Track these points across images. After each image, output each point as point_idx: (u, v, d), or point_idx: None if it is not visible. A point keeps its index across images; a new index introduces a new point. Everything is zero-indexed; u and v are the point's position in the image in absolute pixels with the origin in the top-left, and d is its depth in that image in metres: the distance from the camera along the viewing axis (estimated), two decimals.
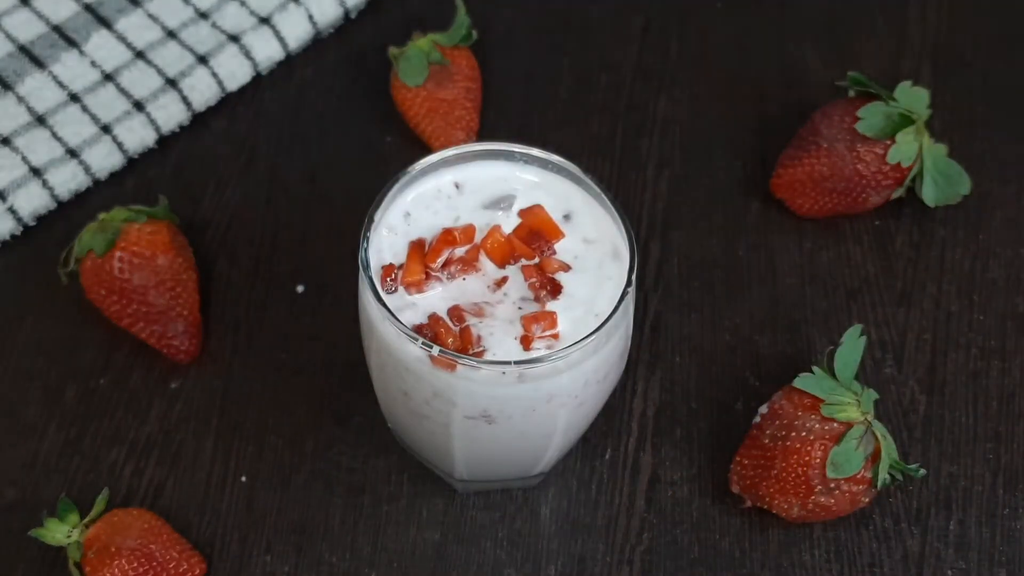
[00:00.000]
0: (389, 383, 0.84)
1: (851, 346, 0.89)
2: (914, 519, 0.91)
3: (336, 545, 0.90)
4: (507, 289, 0.82)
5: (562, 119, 1.06)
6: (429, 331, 0.80)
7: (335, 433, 0.93)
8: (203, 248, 0.99)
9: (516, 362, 0.79)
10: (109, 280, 0.93)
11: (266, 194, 1.02)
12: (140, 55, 1.05)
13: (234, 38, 1.05)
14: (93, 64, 1.04)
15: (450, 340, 0.79)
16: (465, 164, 0.86)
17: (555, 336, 0.80)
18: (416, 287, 0.82)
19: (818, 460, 0.86)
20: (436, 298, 0.82)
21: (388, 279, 0.82)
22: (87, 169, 1.01)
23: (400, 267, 0.82)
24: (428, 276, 0.82)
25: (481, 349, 0.80)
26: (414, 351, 0.79)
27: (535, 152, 0.85)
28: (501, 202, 0.85)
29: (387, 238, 0.83)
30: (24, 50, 1.05)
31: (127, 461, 0.92)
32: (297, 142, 1.05)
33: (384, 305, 0.80)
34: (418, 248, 0.83)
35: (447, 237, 0.82)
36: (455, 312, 0.81)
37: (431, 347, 0.78)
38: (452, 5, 1.03)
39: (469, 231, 0.83)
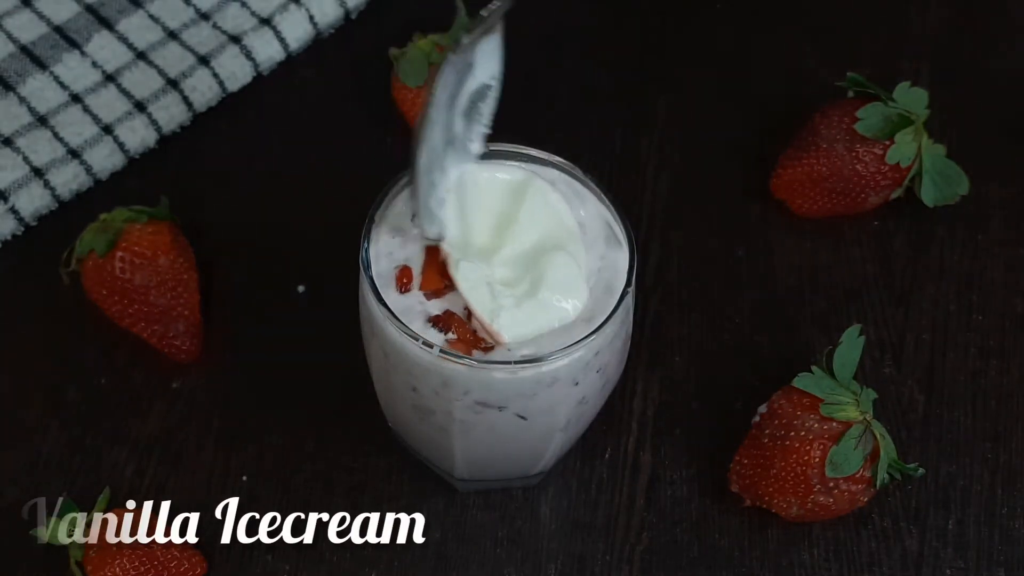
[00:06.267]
0: (393, 379, 0.84)
1: (850, 346, 0.89)
2: (913, 518, 0.91)
3: (336, 544, 0.90)
4: None
5: (562, 119, 1.06)
6: (443, 324, 0.80)
7: (335, 433, 0.93)
8: (204, 248, 0.99)
9: (516, 361, 0.79)
10: (110, 280, 0.93)
11: (266, 194, 1.02)
12: (141, 56, 1.05)
13: (235, 39, 1.06)
14: (94, 65, 1.05)
15: (464, 333, 0.80)
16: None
17: None
18: (436, 295, 0.82)
19: (817, 459, 0.86)
20: (451, 298, 0.82)
21: (403, 280, 0.82)
22: (88, 169, 1.01)
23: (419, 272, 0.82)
24: (446, 287, 0.82)
25: (490, 346, 0.80)
26: (416, 341, 0.80)
27: (535, 152, 0.86)
28: None
29: (394, 241, 0.83)
30: (26, 51, 1.05)
31: (128, 460, 0.92)
32: (298, 142, 1.05)
33: (385, 305, 0.80)
34: (436, 256, 0.82)
35: None
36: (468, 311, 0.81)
37: (431, 347, 0.79)
38: (452, 6, 1.04)
39: None
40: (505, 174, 0.84)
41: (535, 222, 0.82)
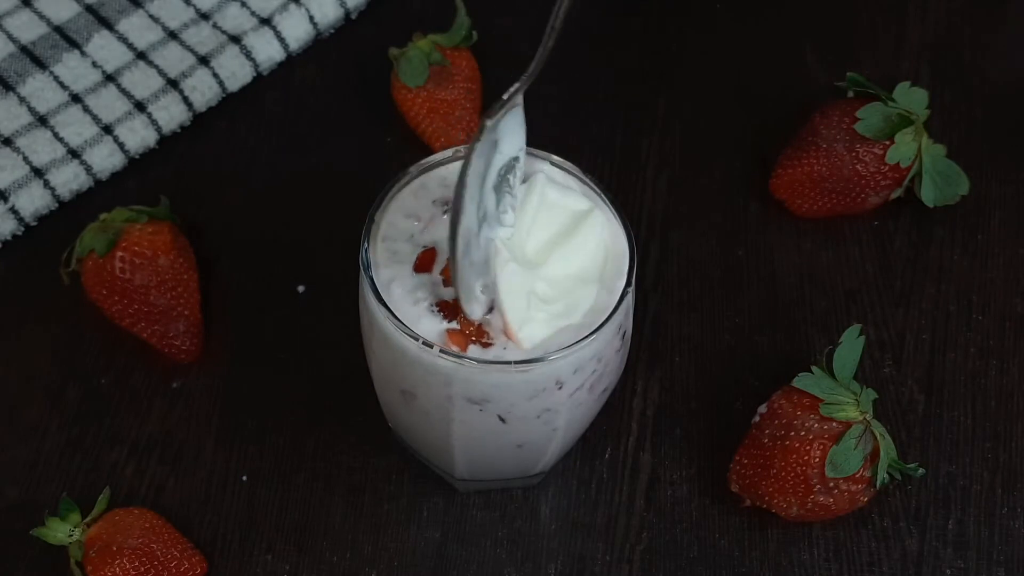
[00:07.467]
0: (388, 376, 0.84)
1: (850, 346, 0.89)
2: (913, 518, 0.91)
3: (337, 544, 0.90)
4: None
5: (562, 119, 1.06)
6: (449, 312, 0.80)
7: (335, 433, 0.93)
8: (204, 248, 0.99)
9: (516, 362, 0.79)
10: (110, 280, 0.93)
11: (266, 194, 1.02)
12: (141, 56, 1.05)
13: (235, 39, 1.06)
14: (94, 65, 1.05)
15: (467, 326, 0.80)
16: None
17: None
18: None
19: (817, 459, 0.86)
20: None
21: (424, 261, 0.82)
22: (88, 169, 1.01)
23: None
24: None
25: (490, 342, 0.80)
26: (416, 341, 0.80)
27: (535, 153, 0.86)
28: None
29: (416, 225, 0.83)
30: (26, 51, 1.05)
31: (128, 460, 0.92)
32: (297, 142, 1.05)
33: (385, 305, 0.80)
34: (429, 256, 0.83)
35: None
36: None
37: (431, 346, 0.79)
38: (452, 6, 1.04)
39: None
40: (573, 201, 0.84)
41: (583, 250, 0.82)
